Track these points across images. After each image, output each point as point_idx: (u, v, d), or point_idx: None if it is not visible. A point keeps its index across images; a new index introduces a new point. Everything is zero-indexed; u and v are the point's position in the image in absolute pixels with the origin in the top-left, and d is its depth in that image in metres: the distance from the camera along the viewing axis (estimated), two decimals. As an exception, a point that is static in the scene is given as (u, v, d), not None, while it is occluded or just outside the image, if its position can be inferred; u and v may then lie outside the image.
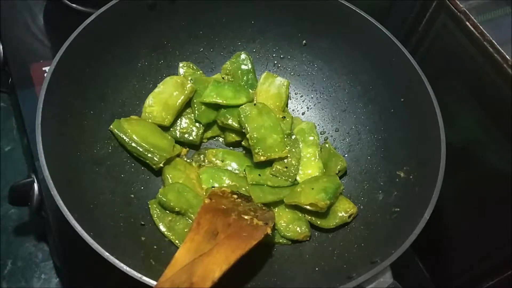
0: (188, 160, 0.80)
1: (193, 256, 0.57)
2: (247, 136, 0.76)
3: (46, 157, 0.60)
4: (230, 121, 0.79)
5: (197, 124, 0.81)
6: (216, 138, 0.84)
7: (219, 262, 0.56)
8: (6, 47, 0.95)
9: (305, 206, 0.71)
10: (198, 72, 0.86)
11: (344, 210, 0.72)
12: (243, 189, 0.75)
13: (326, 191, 0.71)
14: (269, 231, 0.64)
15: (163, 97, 0.79)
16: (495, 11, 0.71)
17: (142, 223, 0.69)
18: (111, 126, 0.74)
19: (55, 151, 0.62)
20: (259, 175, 0.76)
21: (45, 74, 0.67)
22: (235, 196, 0.71)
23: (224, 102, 0.80)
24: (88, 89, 0.73)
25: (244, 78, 0.86)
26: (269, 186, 0.75)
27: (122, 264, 0.55)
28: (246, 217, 0.65)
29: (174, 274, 0.54)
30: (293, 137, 0.80)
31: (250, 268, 0.66)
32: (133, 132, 0.74)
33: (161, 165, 0.75)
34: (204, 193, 0.74)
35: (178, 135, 0.80)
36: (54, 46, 0.96)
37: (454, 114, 0.74)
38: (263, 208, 0.71)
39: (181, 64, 0.85)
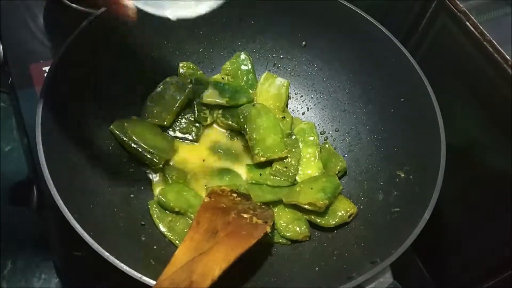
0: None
1: (193, 254, 0.57)
2: (247, 137, 0.76)
3: (46, 157, 0.60)
4: (230, 122, 0.80)
5: (197, 124, 0.81)
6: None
7: (219, 261, 0.57)
8: (6, 47, 0.95)
9: (303, 206, 0.71)
10: (198, 72, 0.86)
11: (344, 209, 0.72)
12: (243, 188, 0.76)
13: (325, 191, 0.71)
14: (268, 229, 0.64)
15: (163, 97, 0.79)
16: (495, 11, 0.71)
17: (142, 223, 0.69)
18: (111, 126, 0.74)
19: (55, 151, 0.62)
20: (260, 174, 0.76)
21: (45, 74, 0.67)
22: (235, 195, 0.71)
23: (224, 102, 0.80)
24: (88, 89, 0.73)
25: (244, 79, 0.86)
26: (268, 185, 0.75)
27: (122, 264, 0.55)
28: (245, 215, 0.65)
29: (173, 272, 0.54)
30: (293, 137, 0.80)
31: (250, 268, 0.66)
32: (133, 132, 0.74)
33: (161, 165, 0.75)
34: (204, 191, 0.74)
35: (178, 135, 0.80)
36: (54, 46, 0.96)
37: (454, 114, 0.74)
38: (263, 206, 0.71)
39: (181, 64, 0.85)
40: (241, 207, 0.68)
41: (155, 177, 0.76)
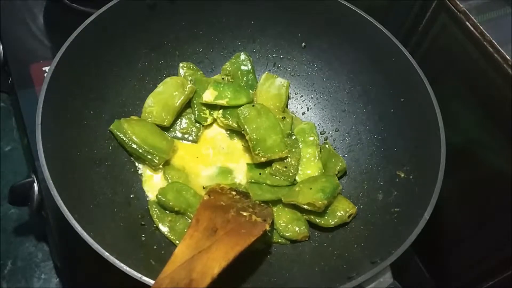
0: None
1: (192, 252, 0.57)
2: (247, 137, 0.76)
3: (46, 157, 0.60)
4: (230, 122, 0.80)
5: (197, 124, 0.82)
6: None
7: (218, 259, 0.57)
8: (6, 47, 0.95)
9: (303, 206, 0.71)
10: (198, 73, 0.86)
11: (343, 210, 0.72)
12: (242, 187, 0.76)
13: (324, 191, 0.71)
14: (267, 227, 0.64)
15: (163, 97, 0.80)
16: (495, 11, 0.71)
17: (142, 223, 0.69)
18: (111, 127, 0.74)
19: (55, 151, 0.62)
20: (260, 174, 0.76)
21: (45, 74, 0.67)
22: (234, 193, 0.71)
23: (224, 103, 0.80)
24: (88, 89, 0.73)
25: (244, 79, 0.86)
26: (268, 185, 0.75)
27: (122, 264, 0.55)
28: (244, 213, 0.66)
29: (173, 270, 0.54)
30: (293, 137, 0.80)
31: (250, 268, 0.66)
32: (132, 133, 0.74)
33: (161, 166, 0.75)
34: (204, 191, 0.74)
35: (178, 135, 0.80)
36: (54, 46, 0.96)
37: (454, 114, 0.74)
38: (262, 204, 0.71)
39: (181, 65, 0.85)
40: (240, 205, 0.68)
41: (154, 177, 0.76)
